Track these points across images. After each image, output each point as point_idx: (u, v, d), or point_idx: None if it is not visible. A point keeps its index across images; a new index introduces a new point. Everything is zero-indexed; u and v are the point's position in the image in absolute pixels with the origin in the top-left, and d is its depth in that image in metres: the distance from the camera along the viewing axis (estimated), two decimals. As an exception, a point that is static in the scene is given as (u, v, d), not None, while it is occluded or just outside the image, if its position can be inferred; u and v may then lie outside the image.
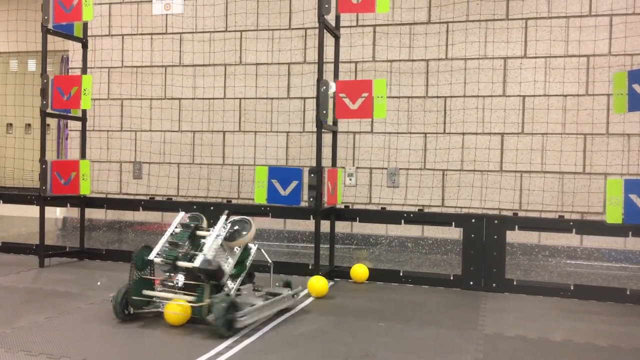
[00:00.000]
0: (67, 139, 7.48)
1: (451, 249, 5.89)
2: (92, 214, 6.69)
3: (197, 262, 3.18)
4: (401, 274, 4.58)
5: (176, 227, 3.47)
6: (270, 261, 3.64)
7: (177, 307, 3.20)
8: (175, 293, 3.30)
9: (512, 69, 5.80)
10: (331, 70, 4.90)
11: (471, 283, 4.39)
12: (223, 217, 3.45)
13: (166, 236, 3.43)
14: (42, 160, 4.87)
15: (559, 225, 4.41)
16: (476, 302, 4.02)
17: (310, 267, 4.61)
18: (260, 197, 4.47)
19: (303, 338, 3.12)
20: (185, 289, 3.28)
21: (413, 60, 6.05)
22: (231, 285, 3.37)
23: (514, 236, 5.28)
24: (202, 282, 3.22)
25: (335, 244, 4.94)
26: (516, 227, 4.39)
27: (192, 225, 3.45)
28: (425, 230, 6.02)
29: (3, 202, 5.59)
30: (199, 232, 3.45)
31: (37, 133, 5.06)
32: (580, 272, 5.20)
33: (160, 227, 6.76)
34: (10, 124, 10.46)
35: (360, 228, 6.11)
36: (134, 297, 3.28)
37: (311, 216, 4.54)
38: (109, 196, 6.91)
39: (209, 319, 3.08)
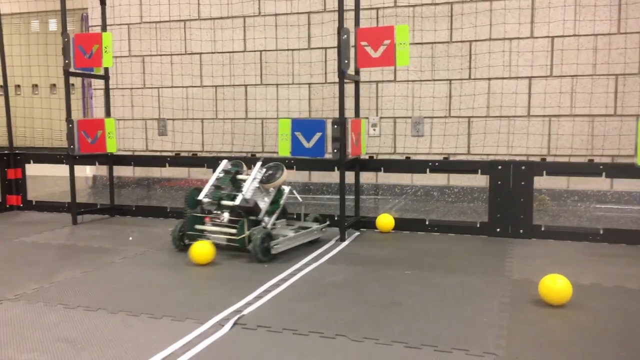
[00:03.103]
0: (91, 98, 7.53)
1: (478, 196, 5.85)
2: (121, 171, 6.81)
3: (237, 201, 3.77)
4: (427, 223, 4.59)
5: (220, 173, 4.08)
6: (300, 199, 4.27)
7: (201, 247, 3.63)
8: (222, 227, 3.88)
9: (540, 9, 5.58)
10: (352, 18, 4.78)
11: (498, 230, 4.37)
12: (259, 164, 4.03)
13: (212, 180, 4.02)
14: (69, 119, 4.93)
15: (589, 169, 4.32)
16: (503, 249, 4.02)
17: (335, 218, 4.64)
18: (284, 150, 4.47)
19: (331, 287, 3.17)
20: (230, 224, 3.85)
21: (436, 4, 5.86)
22: (267, 220, 3.91)
23: (542, 182, 5.21)
24: (242, 217, 3.77)
25: (361, 195, 4.94)
26: (544, 172, 4.32)
27: (233, 170, 4.04)
28: (451, 178, 5.98)
29: (34, 162, 5.72)
30: (239, 177, 4.02)
31: (62, 93, 5.10)
32: (610, 216, 5.13)
33: (187, 182, 6.85)
34: (36, 85, 10.57)
35: (385, 178, 6.10)
36: (188, 232, 3.93)
37: (336, 167, 4.54)
38: (136, 153, 7.00)
39: (249, 248, 3.65)
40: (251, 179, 3.91)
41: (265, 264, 3.61)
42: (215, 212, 3.94)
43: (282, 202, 4.04)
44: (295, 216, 4.39)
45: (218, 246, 3.81)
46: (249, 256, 3.74)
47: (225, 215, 3.87)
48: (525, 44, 5.65)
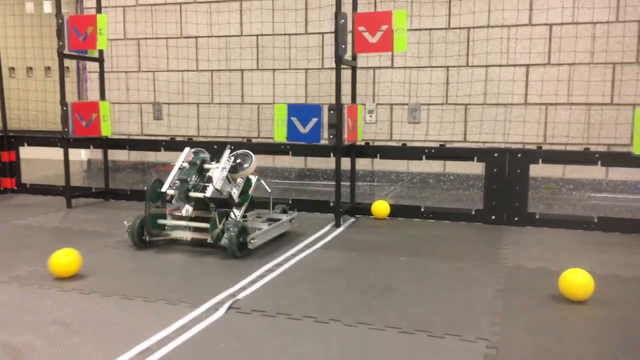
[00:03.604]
0: (86, 81, 7.47)
1: (473, 184, 5.86)
2: (115, 155, 6.77)
3: (208, 192, 3.49)
4: (422, 210, 4.59)
5: (184, 162, 3.74)
6: (269, 190, 3.98)
7: None
8: (187, 222, 3.62)
9: (539, -4, 5.54)
10: (349, 2, 4.73)
11: (493, 217, 4.38)
12: (227, 152, 3.71)
13: (175, 170, 3.70)
14: (63, 102, 4.89)
15: (584, 157, 4.32)
16: (498, 236, 4.03)
17: (331, 205, 4.64)
18: (280, 136, 4.45)
19: (325, 273, 3.18)
20: (195, 218, 3.63)
21: (435, -10, 5.81)
22: (237, 213, 3.66)
23: (538, 170, 5.21)
24: (211, 210, 3.56)
25: (356, 181, 4.94)
26: (540, 160, 4.32)
27: (199, 160, 3.73)
28: (447, 165, 5.98)
29: (28, 145, 5.68)
30: (206, 166, 3.73)
31: (57, 75, 5.05)
32: (605, 205, 5.15)
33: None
34: (30, 67, 10.47)
35: (381, 165, 6.09)
36: (151, 227, 3.62)
37: (331, 153, 4.52)
38: (131, 137, 6.96)
39: (223, 243, 3.42)
40: (221, 168, 3.61)
41: (240, 259, 3.40)
42: (180, 204, 3.64)
43: (251, 192, 3.81)
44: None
45: (181, 242, 3.69)
46: (220, 252, 3.50)
47: (189, 208, 3.57)
48: (524, 31, 5.62)
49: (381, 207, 4.59)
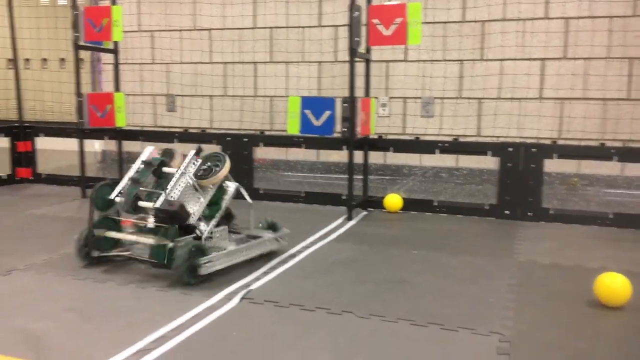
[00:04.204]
0: (100, 72, 7.52)
1: (487, 179, 5.82)
2: (129, 146, 6.81)
3: (158, 202, 2.88)
4: (435, 204, 4.57)
5: (140, 164, 3.13)
6: (250, 201, 3.27)
7: None
8: (144, 235, 2.98)
9: (555, -11, 5.48)
10: (364, -6, 4.72)
11: (506, 212, 4.36)
12: (192, 152, 3.04)
13: (130, 173, 3.12)
14: (79, 93, 4.92)
15: (600, 152, 4.28)
16: (511, 231, 4.01)
17: (343, 198, 4.64)
18: (293, 128, 4.45)
19: (337, 265, 3.18)
20: (156, 231, 2.95)
21: (450, -17, 5.77)
22: (203, 228, 3.01)
23: (552, 165, 5.16)
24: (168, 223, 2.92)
25: (369, 175, 4.93)
26: (554, 155, 4.29)
27: (157, 162, 3.09)
28: (460, 160, 5.94)
29: (43, 136, 5.74)
30: (166, 170, 3.10)
31: (72, 67, 5.08)
32: (620, 200, 5.10)
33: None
34: (45, 59, 10.56)
35: (394, 158, 6.07)
36: (95, 239, 3.06)
37: (344, 146, 4.52)
38: (145, 129, 6.99)
39: (170, 266, 2.80)
40: (179, 173, 2.96)
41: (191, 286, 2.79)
42: (139, 215, 3.03)
43: (224, 203, 3.13)
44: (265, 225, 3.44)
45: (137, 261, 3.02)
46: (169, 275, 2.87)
47: (150, 220, 2.91)
48: (540, 24, 5.56)
49: (393, 201, 4.58)
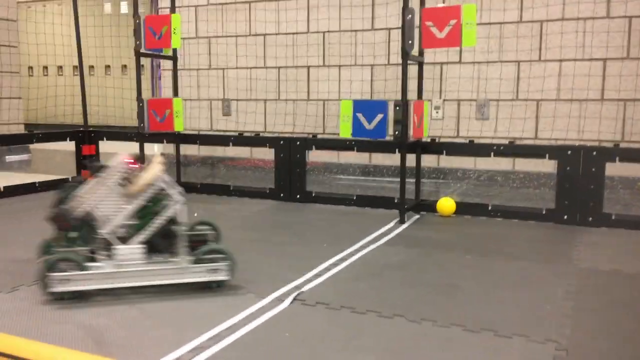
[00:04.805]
0: (160, 78, 7.79)
1: (544, 182, 5.66)
2: (186, 150, 7.02)
3: (64, 204, 2.76)
4: (490, 208, 4.49)
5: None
6: (185, 219, 2.85)
7: None
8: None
9: (618, -14, 5.28)
10: (417, -3, 4.69)
11: (565, 217, 4.23)
12: (121, 158, 2.77)
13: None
14: (139, 98, 5.12)
15: (666, 156, 4.09)
16: (569, 236, 3.89)
17: (395, 201, 4.62)
18: (345, 131, 4.47)
19: (388, 268, 3.18)
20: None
21: (506, -18, 5.65)
22: (115, 242, 2.71)
23: (614, 169, 4.97)
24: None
25: (422, 178, 4.89)
26: (617, 158, 4.13)
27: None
28: (517, 163, 5.80)
29: (106, 139, 5.99)
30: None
31: (133, 73, 5.30)
32: (688, 206, 4.85)
33: (249, 162, 6.99)
34: (108, 66, 11.02)
35: (447, 162, 5.99)
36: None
37: (397, 150, 4.50)
38: (201, 133, 7.19)
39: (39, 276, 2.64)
40: (95, 180, 2.73)
41: (67, 301, 2.60)
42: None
43: (159, 219, 2.77)
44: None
45: None
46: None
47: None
48: (601, 24, 5.37)
49: (447, 205, 4.52)
